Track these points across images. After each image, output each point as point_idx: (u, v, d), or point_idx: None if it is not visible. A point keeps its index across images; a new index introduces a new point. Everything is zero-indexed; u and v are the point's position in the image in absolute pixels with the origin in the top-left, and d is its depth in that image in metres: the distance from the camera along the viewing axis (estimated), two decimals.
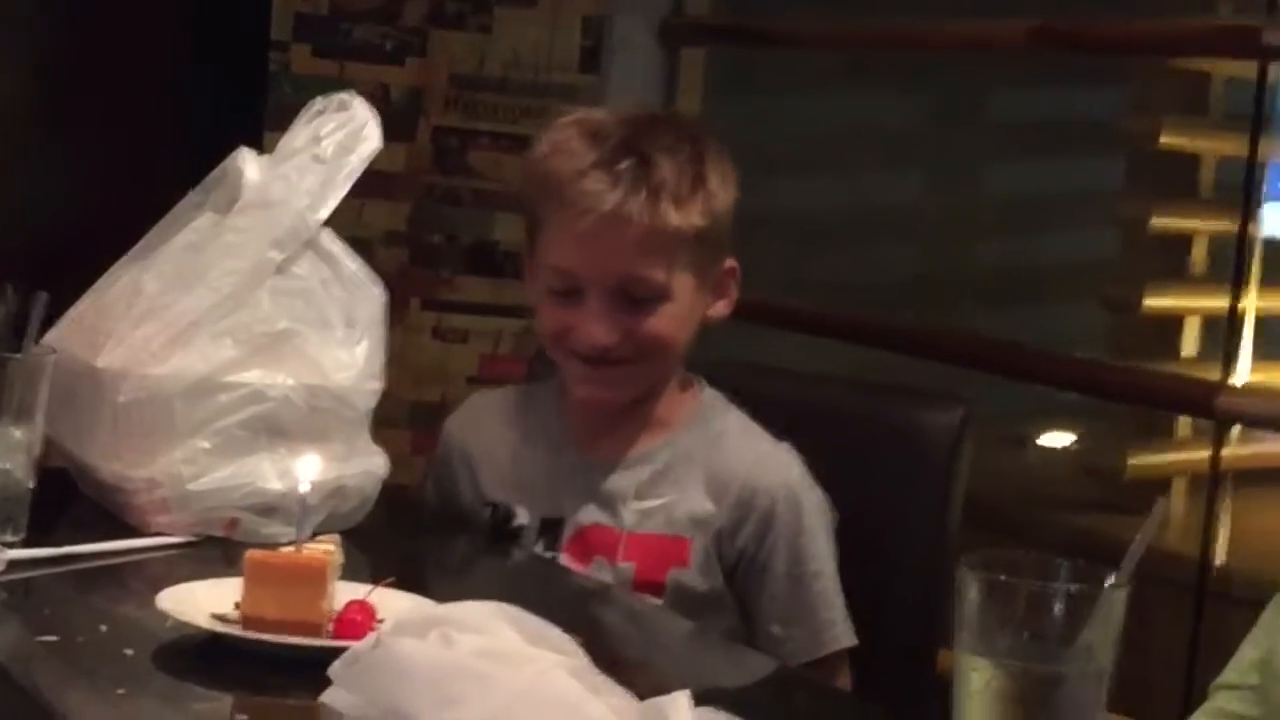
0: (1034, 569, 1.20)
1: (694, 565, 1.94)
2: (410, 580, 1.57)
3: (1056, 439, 4.60)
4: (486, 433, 2.09)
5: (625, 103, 2.03)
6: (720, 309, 2.01)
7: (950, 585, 1.22)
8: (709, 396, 2.03)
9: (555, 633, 1.33)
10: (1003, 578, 1.18)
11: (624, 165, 1.90)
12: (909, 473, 2.04)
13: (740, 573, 1.95)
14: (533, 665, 1.27)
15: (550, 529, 2.00)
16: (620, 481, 1.98)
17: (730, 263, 2.00)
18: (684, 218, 1.91)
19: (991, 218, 5.08)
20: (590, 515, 1.98)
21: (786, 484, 1.94)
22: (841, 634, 1.94)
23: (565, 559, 1.97)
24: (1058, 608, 1.17)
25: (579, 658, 1.31)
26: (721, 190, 1.95)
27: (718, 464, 1.97)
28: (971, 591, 1.18)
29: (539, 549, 1.99)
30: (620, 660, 1.46)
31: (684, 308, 1.95)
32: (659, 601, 1.91)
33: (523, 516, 2.02)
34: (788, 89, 4.33)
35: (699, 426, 2.00)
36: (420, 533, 2.10)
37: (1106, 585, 1.18)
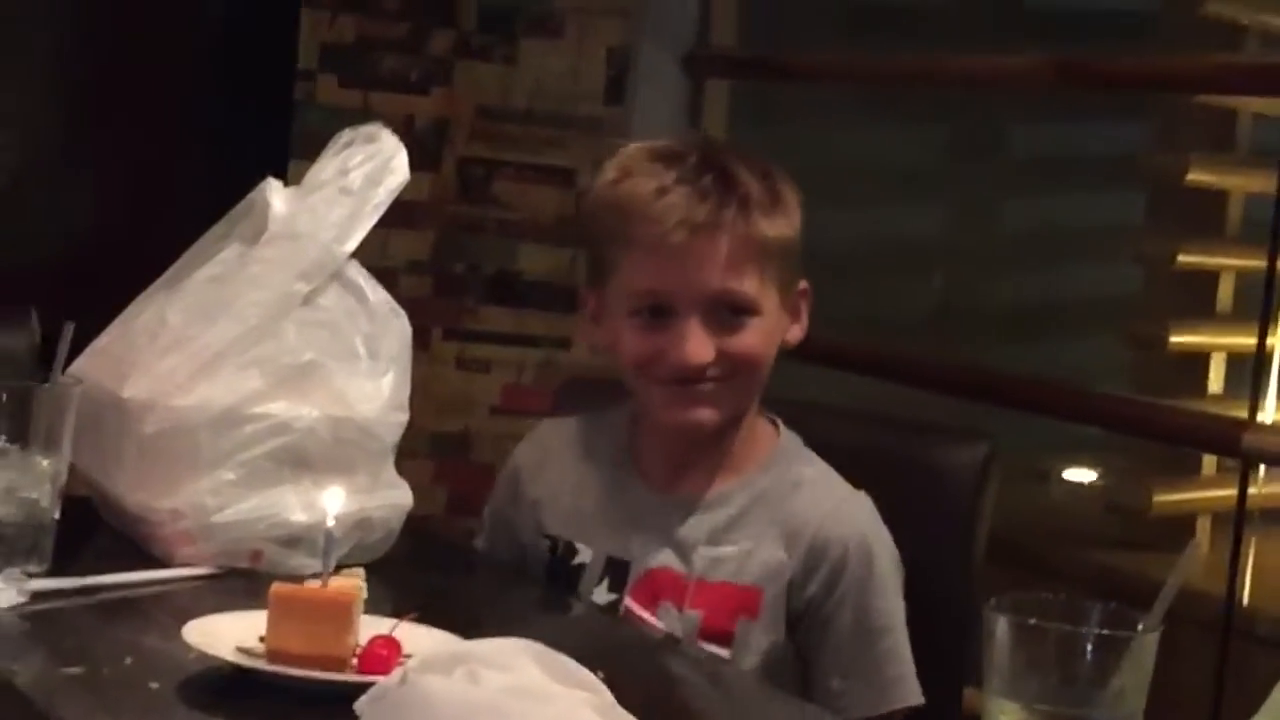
0: (1063, 612, 1.19)
1: (763, 617, 1.88)
2: (435, 614, 1.57)
3: (1081, 475, 4.59)
4: (553, 464, 2.04)
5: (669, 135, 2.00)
6: (795, 333, 1.96)
7: (975, 622, 1.21)
8: (786, 437, 1.98)
9: (581, 671, 1.33)
10: (1032, 621, 1.17)
11: (708, 179, 1.87)
12: (933, 510, 2.03)
13: (805, 623, 1.89)
14: (558, 703, 1.26)
15: (616, 570, 1.94)
16: (693, 525, 1.92)
17: (804, 284, 1.96)
18: (773, 228, 1.88)
19: (1013, 252, 5.07)
20: (659, 558, 1.92)
21: (860, 535, 1.89)
22: (907, 692, 1.88)
23: (630, 602, 1.92)
24: (1088, 652, 1.17)
25: (604, 695, 1.31)
26: (796, 208, 1.92)
27: (793, 512, 1.91)
28: (1001, 634, 1.18)
29: (602, 589, 1.94)
30: (671, 707, 1.45)
31: (772, 323, 1.91)
32: (725, 651, 1.87)
33: (585, 555, 1.97)
34: (811, 122, 4.33)
35: (776, 469, 1.95)
36: (444, 566, 2.09)
37: (1138, 629, 1.17)
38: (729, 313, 1.88)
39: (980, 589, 2.01)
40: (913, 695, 1.89)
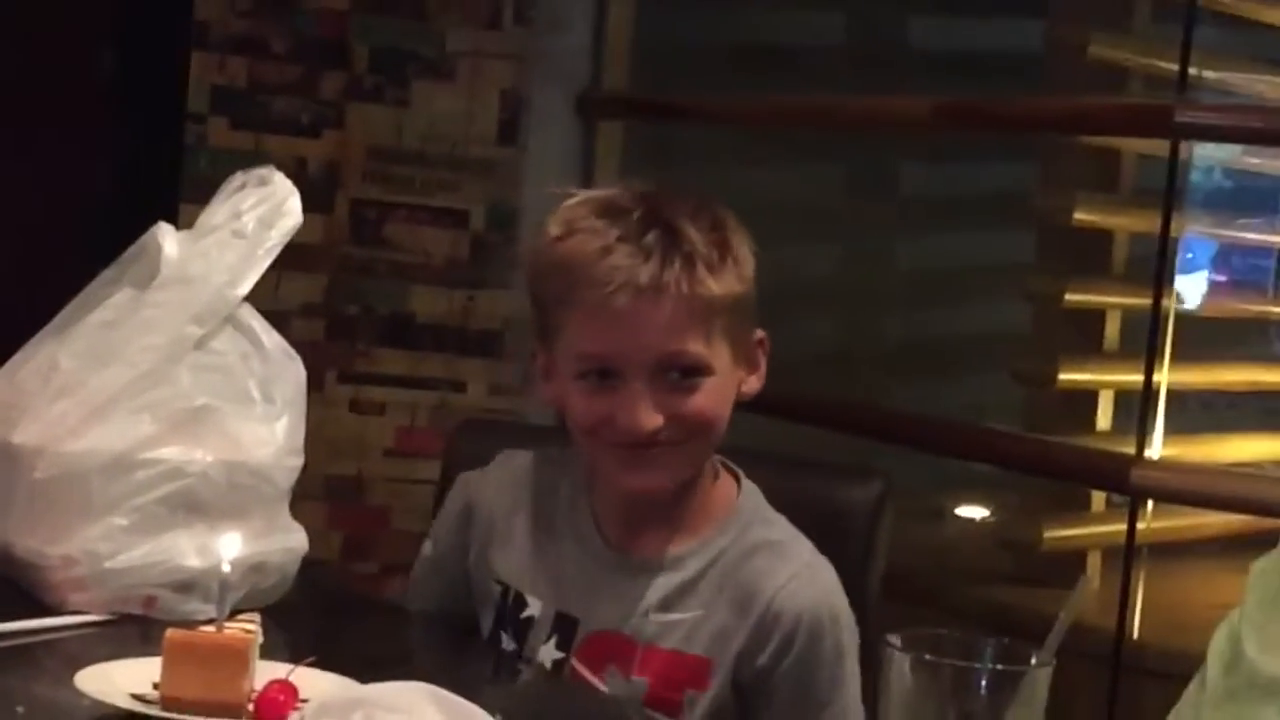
0: (958, 648, 1.20)
1: (713, 686, 1.82)
2: (332, 659, 1.56)
3: (973, 512, 4.63)
4: (508, 502, 1.96)
5: (627, 181, 1.90)
6: (753, 384, 1.89)
7: (871, 658, 1.22)
8: (747, 494, 1.91)
9: (478, 713, 1.32)
10: (928, 656, 1.18)
11: (651, 236, 1.79)
12: (829, 547, 2.02)
13: (749, 692, 1.83)
14: None
15: (565, 627, 1.88)
16: (644, 588, 1.86)
17: (759, 333, 1.89)
18: (721, 284, 1.80)
19: (905, 291, 5.12)
20: (608, 620, 1.86)
21: (813, 607, 1.81)
22: None
23: (576, 663, 1.86)
24: (983, 686, 1.18)
25: None
26: (747, 257, 1.85)
27: (747, 579, 1.84)
28: (897, 670, 1.19)
29: (550, 646, 1.88)
30: None
31: (724, 381, 1.83)
32: None
33: (534, 608, 1.90)
34: (704, 162, 4.35)
35: (734, 532, 1.87)
36: (340, 610, 2.08)
37: (1031, 664, 1.19)
38: (678, 375, 1.80)
39: (876, 625, 2.01)
40: None
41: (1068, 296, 4.09)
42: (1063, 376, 4.04)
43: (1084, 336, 4.17)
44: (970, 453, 3.45)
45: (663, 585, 1.86)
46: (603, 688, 1.85)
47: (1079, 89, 3.88)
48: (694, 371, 1.81)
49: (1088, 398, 4.15)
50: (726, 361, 1.83)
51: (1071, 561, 3.87)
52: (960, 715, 1.17)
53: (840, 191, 5.00)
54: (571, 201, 1.86)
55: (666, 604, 1.85)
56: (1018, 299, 4.34)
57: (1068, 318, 4.17)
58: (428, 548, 2.04)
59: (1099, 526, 3.96)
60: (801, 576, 1.84)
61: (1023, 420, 4.18)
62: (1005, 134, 4.25)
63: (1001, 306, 4.72)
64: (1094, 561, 3.94)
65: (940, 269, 5.04)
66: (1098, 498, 4.06)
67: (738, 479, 1.93)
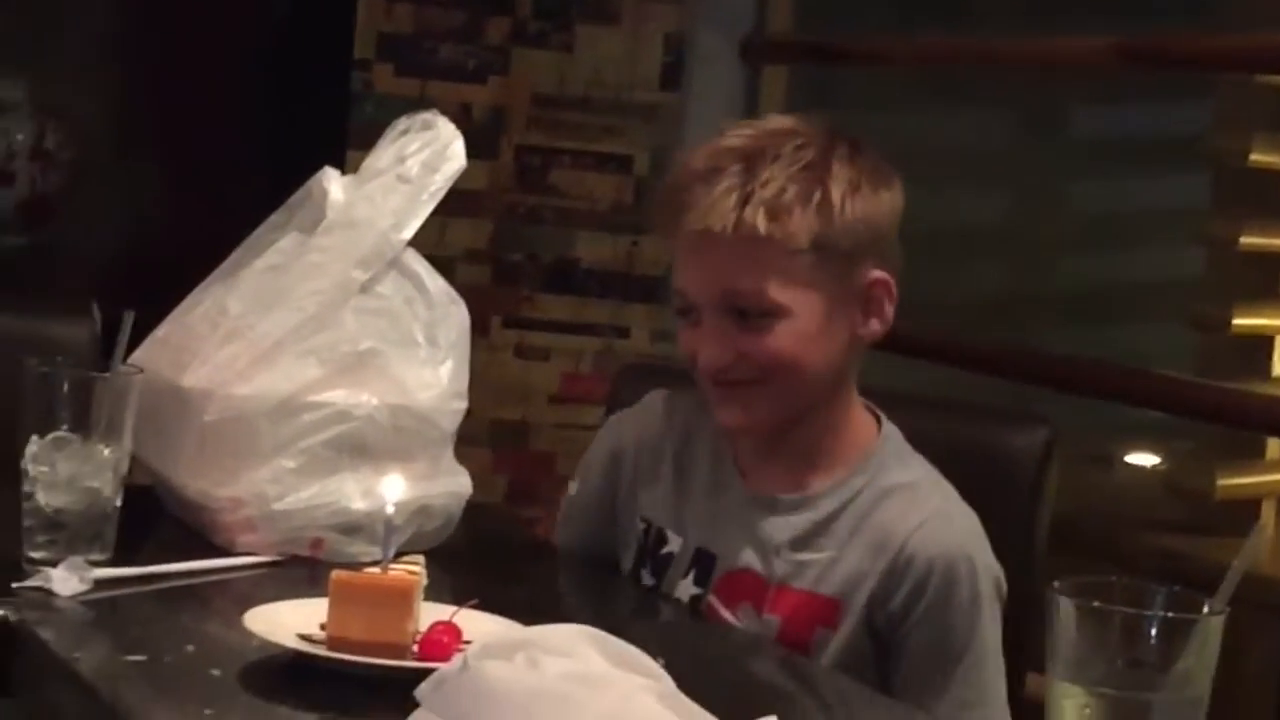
0: (1127, 595, 1.18)
1: (843, 628, 1.82)
2: (495, 601, 1.57)
3: (1143, 459, 4.56)
4: (660, 441, 1.97)
5: (783, 117, 1.90)
6: (873, 328, 1.86)
7: (1037, 607, 1.20)
8: (887, 436, 1.90)
9: (642, 657, 1.32)
10: (1097, 604, 1.16)
11: (724, 175, 1.80)
12: (995, 494, 2.01)
13: (884, 639, 1.82)
14: (618, 689, 1.26)
15: (703, 563, 1.89)
16: (778, 526, 1.86)
17: (876, 274, 1.85)
18: (782, 227, 1.79)
19: (1075, 235, 5.04)
20: (743, 558, 1.87)
21: (947, 554, 1.79)
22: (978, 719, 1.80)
23: (713, 599, 1.87)
24: (1153, 635, 1.16)
25: (665, 682, 1.31)
26: (850, 201, 1.81)
27: (882, 521, 1.83)
28: (1065, 618, 1.17)
29: (688, 583, 1.89)
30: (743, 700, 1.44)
31: (811, 326, 1.81)
32: None
33: (674, 544, 1.92)
34: (870, 106, 4.31)
35: (871, 472, 1.86)
36: (504, 553, 2.09)
37: (1204, 612, 1.16)
38: (750, 314, 1.81)
39: (1042, 573, 1.99)
40: None
41: (1243, 240, 4.00)
42: (1237, 321, 3.95)
43: (1260, 281, 4.07)
44: (1142, 399, 3.39)
45: (796, 525, 1.86)
46: (738, 624, 1.86)
47: (1257, 26, 3.78)
48: (762, 313, 1.81)
49: (1263, 343, 4.06)
50: (815, 303, 1.82)
51: (1245, 509, 3.80)
52: (1129, 664, 1.15)
53: (1010, 135, 4.93)
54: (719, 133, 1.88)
55: (800, 543, 1.85)
56: (1191, 243, 4.25)
57: (1243, 261, 4.07)
58: (573, 488, 2.06)
59: (1274, 474, 3.89)
60: (937, 520, 1.82)
61: (1195, 366, 4.11)
62: (1184, 74, 4.15)
63: (1174, 251, 4.63)
64: (1268, 510, 3.86)
65: (1111, 213, 4.95)
66: (1273, 444, 3.98)
67: (878, 421, 1.92)
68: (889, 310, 1.87)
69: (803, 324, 1.82)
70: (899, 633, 1.81)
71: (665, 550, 1.92)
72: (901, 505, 1.84)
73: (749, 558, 1.87)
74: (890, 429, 1.91)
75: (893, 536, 1.81)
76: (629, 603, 1.97)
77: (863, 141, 1.89)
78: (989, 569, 1.82)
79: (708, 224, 1.79)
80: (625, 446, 2.00)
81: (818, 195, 1.80)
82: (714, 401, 1.86)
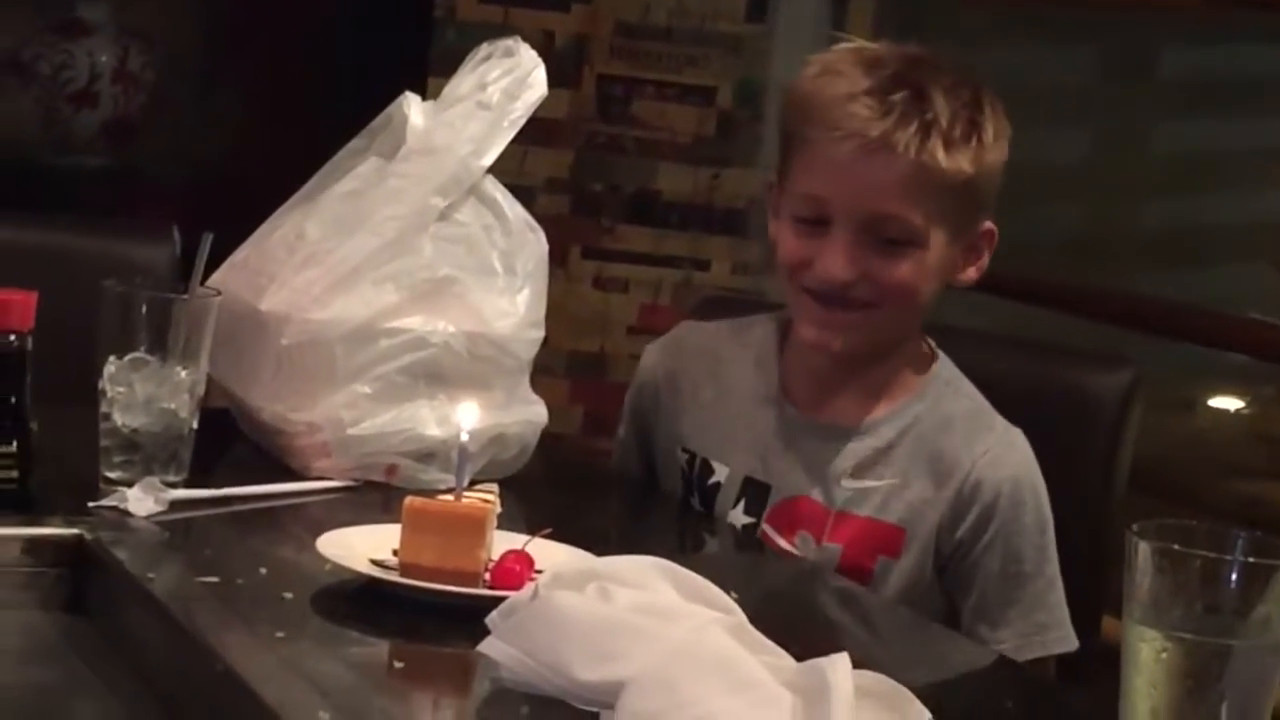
0: (1207, 539, 1.16)
1: (905, 557, 1.83)
2: (568, 531, 1.56)
3: (1227, 403, 4.51)
4: (692, 370, 1.97)
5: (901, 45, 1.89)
6: (970, 274, 1.88)
7: (1116, 550, 1.18)
8: (942, 364, 1.91)
9: (713, 590, 1.31)
10: (1176, 547, 1.14)
11: (898, 96, 1.78)
12: (1077, 435, 2.00)
13: (952, 567, 1.83)
14: (690, 621, 1.25)
15: (754, 492, 1.89)
16: (838, 454, 1.86)
17: (988, 225, 1.87)
18: (952, 161, 1.78)
19: (1161, 176, 4.98)
20: (800, 485, 1.87)
21: (1014, 478, 1.82)
22: (1053, 640, 1.82)
23: (767, 528, 1.87)
24: (1233, 580, 1.14)
25: (736, 615, 1.30)
26: (995, 144, 1.83)
27: (945, 449, 1.84)
28: (1143, 561, 1.15)
29: (738, 512, 1.90)
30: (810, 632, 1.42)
31: (934, 260, 1.82)
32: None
33: (721, 473, 1.92)
34: (956, 40, 4.27)
35: (930, 399, 1.87)
36: (578, 484, 2.09)
37: None
38: (886, 238, 1.80)
39: (1122, 516, 1.97)
40: (1062, 643, 1.83)
41: None
42: None
43: None
44: (1227, 342, 3.36)
45: (856, 451, 1.86)
46: (795, 553, 1.85)
47: None
48: (902, 240, 1.80)
49: None
50: (941, 241, 1.82)
51: None
52: (1207, 609, 1.13)
53: (1095, 73, 4.87)
54: (840, 46, 1.87)
55: (860, 470, 1.86)
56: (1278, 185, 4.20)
57: None
58: (621, 430, 2.07)
59: None
60: (1000, 447, 1.84)
61: None
62: (1272, 13, 4.09)
63: (1263, 194, 4.57)
64: None
65: (1198, 153, 4.89)
66: None
67: (933, 351, 1.92)
68: (985, 261, 1.89)
69: (931, 259, 1.82)
70: (968, 560, 1.82)
71: (712, 480, 1.92)
72: (964, 432, 1.85)
73: (806, 485, 1.87)
74: (944, 358, 1.92)
75: (958, 464, 1.83)
76: (698, 535, 1.96)
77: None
78: (1044, 492, 1.85)
79: (881, 139, 1.77)
80: (652, 379, 2.01)
81: (976, 135, 1.81)
82: (810, 318, 1.85)
